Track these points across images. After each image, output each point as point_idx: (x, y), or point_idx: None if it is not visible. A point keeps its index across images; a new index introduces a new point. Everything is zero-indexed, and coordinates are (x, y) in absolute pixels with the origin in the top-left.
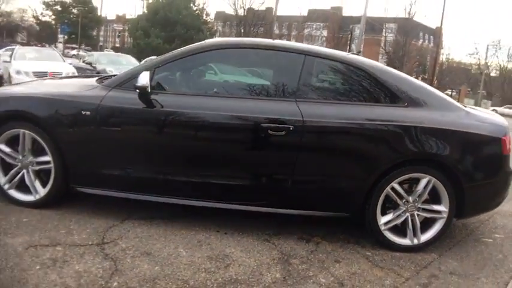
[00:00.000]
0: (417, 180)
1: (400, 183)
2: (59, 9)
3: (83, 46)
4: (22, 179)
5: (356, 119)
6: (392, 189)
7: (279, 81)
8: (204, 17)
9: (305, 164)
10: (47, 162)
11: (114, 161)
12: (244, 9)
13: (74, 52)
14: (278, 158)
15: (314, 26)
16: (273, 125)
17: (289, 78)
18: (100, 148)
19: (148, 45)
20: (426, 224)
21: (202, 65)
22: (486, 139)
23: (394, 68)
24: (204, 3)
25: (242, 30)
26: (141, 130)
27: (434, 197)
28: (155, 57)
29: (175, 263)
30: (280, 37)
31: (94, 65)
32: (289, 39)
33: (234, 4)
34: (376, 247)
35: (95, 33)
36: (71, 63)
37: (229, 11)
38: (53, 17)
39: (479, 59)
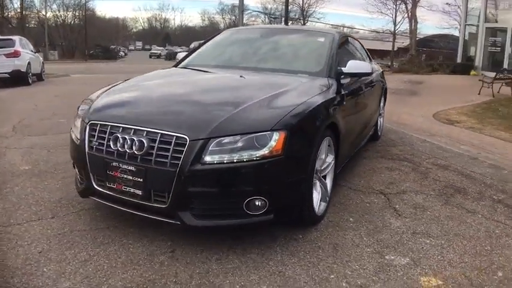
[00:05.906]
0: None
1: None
2: None
3: None
4: None
5: (376, 69)
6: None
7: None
8: None
9: (373, 103)
10: (330, 164)
11: (351, 137)
12: None
13: None
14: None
15: None
16: (370, 77)
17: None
18: (349, 130)
19: None
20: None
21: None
22: (381, 73)
23: None
24: None
25: None
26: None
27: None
28: None
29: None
30: None
31: None
32: None
33: None
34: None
35: None
36: None
37: None
38: None
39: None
